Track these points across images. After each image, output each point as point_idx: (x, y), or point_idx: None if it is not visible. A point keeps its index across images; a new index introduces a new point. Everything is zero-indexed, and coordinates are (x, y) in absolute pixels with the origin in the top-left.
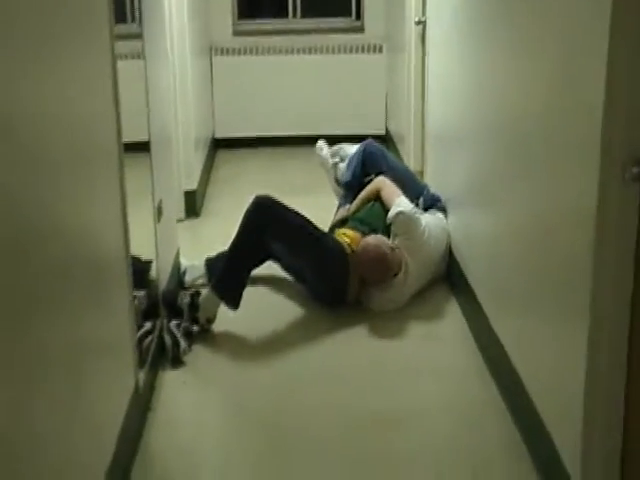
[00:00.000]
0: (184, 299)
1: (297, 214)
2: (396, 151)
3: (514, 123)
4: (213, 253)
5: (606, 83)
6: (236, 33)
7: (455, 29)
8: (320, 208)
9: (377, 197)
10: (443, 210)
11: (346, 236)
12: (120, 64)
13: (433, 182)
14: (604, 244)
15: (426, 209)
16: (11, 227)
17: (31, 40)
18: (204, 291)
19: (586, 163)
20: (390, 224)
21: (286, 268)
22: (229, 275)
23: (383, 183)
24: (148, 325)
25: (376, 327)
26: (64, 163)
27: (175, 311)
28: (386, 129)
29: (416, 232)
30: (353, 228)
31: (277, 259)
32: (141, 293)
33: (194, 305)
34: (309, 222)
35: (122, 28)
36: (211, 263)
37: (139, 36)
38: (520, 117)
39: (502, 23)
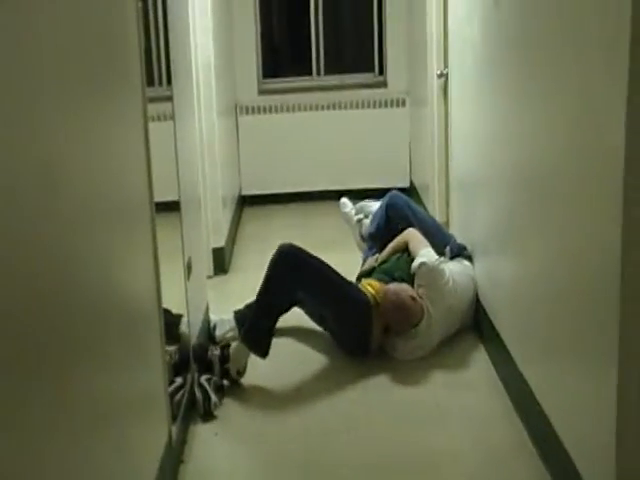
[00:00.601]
0: (214, 352)
1: (321, 262)
2: (421, 202)
3: (535, 169)
4: (241, 306)
5: (626, 126)
6: (261, 92)
7: (476, 81)
8: (346, 263)
9: (405, 249)
10: (469, 258)
11: (371, 287)
12: (151, 125)
13: (458, 230)
14: (630, 285)
15: (453, 258)
16: (49, 280)
17: (75, 100)
18: (234, 343)
19: (609, 206)
20: (414, 273)
21: (311, 315)
22: (257, 324)
23: (411, 235)
24: (179, 380)
25: (401, 375)
26: (100, 220)
27: (205, 365)
28: (410, 181)
29: (438, 283)
30: (379, 280)
31: (302, 306)
32: (172, 348)
33: (224, 357)
34: (333, 270)
35: (152, 90)
36: (240, 315)
37: (169, 98)
38: (541, 163)
39: (522, 74)
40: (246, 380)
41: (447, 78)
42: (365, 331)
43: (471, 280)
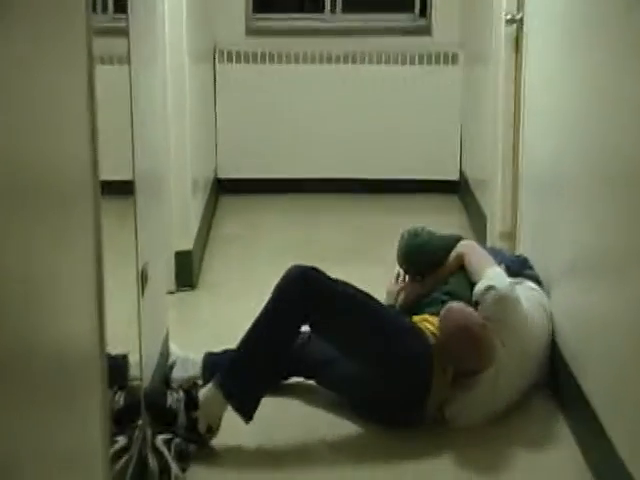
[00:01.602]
0: (176, 396)
1: (355, 289)
2: (475, 204)
3: None
4: (217, 348)
5: None
6: (250, 32)
7: (567, 31)
8: (364, 281)
9: (461, 267)
10: (535, 280)
11: (428, 322)
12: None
13: (530, 246)
14: None
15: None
16: None
17: None
18: (206, 387)
19: None
20: (477, 302)
21: (330, 381)
22: (246, 371)
23: (469, 248)
24: (122, 440)
25: (463, 455)
26: (16, 205)
27: (164, 416)
28: (461, 173)
29: (513, 317)
30: (436, 313)
31: (314, 369)
32: (115, 393)
33: (191, 402)
34: (372, 298)
35: (97, 18)
36: (211, 361)
37: (122, 32)
38: None
39: (638, 28)
40: (219, 440)
41: (521, 25)
42: (422, 389)
43: (545, 313)
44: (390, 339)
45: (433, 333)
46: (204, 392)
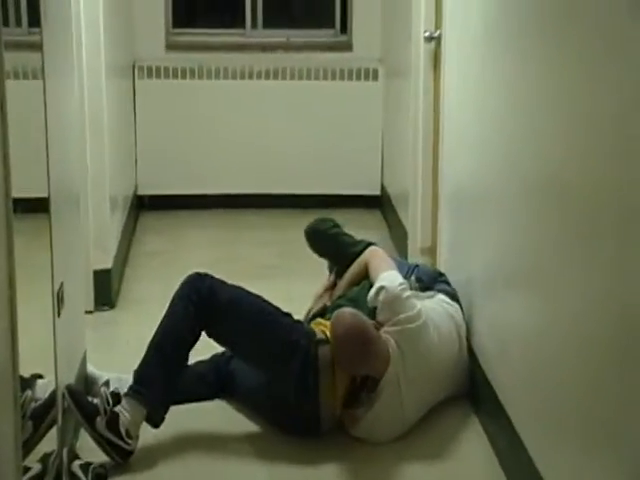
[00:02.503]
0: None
1: (249, 293)
2: (396, 219)
3: (570, 179)
4: (130, 367)
5: None
6: (170, 46)
7: (485, 47)
8: (291, 298)
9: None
10: (449, 294)
11: (323, 326)
12: (8, 84)
13: (449, 261)
14: None
15: (423, 290)
16: None
17: None
18: (124, 399)
19: None
20: (375, 308)
21: (239, 389)
22: (153, 377)
23: (373, 253)
24: (36, 467)
25: (361, 464)
26: None
27: (85, 407)
28: (382, 187)
29: (407, 318)
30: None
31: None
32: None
33: (114, 398)
34: (267, 302)
35: (9, 32)
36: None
37: (36, 46)
38: (579, 172)
39: (557, 41)
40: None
41: (439, 42)
42: (313, 389)
43: (455, 326)
44: (276, 330)
45: (325, 335)
46: (123, 404)
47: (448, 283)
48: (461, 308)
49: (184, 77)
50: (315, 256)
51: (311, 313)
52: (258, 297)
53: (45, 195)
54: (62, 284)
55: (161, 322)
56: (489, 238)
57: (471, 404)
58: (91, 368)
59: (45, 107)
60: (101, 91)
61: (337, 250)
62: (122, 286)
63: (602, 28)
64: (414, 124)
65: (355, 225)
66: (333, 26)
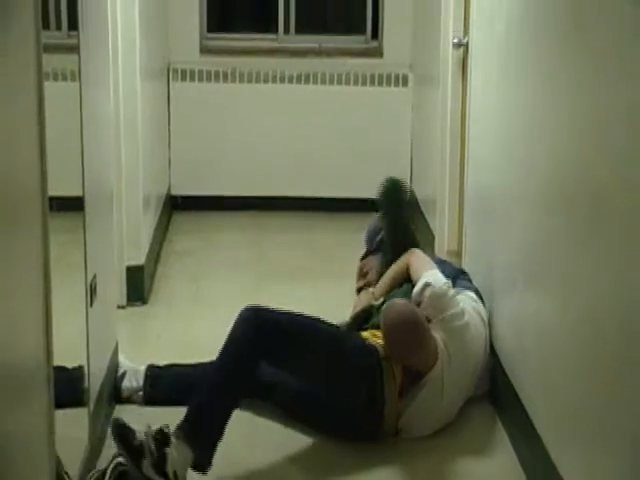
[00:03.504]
0: (144, 433)
1: (303, 317)
2: (424, 223)
3: (591, 181)
4: (160, 361)
5: None
6: (205, 51)
7: (510, 53)
8: (323, 300)
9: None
10: (473, 289)
11: (377, 337)
12: (47, 85)
13: (474, 263)
14: None
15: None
16: None
17: None
18: (173, 440)
19: None
20: (418, 304)
21: (286, 407)
22: (208, 420)
23: (413, 256)
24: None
25: (411, 466)
26: None
27: (132, 450)
28: (410, 192)
29: (452, 315)
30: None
31: (268, 391)
32: None
33: (164, 438)
34: (320, 321)
35: (48, 35)
36: (153, 373)
37: (73, 49)
38: (603, 175)
39: (579, 48)
40: None
41: (467, 49)
42: (378, 403)
43: (483, 325)
44: (341, 360)
45: (381, 345)
46: (173, 448)
47: (470, 281)
48: (484, 307)
49: (217, 80)
50: (342, 258)
51: (355, 311)
52: (315, 320)
53: (80, 194)
54: (95, 276)
55: (218, 360)
56: (513, 240)
57: (492, 403)
58: (122, 358)
59: (81, 108)
60: (136, 93)
61: (399, 223)
62: (154, 283)
63: (620, 35)
64: (442, 131)
65: None
66: (364, 32)
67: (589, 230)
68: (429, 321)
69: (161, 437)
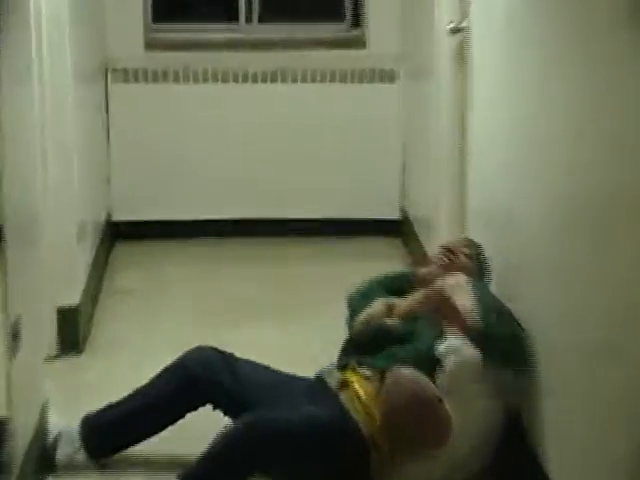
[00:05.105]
0: None
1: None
2: (419, 246)
3: (615, 182)
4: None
5: None
6: (150, 45)
7: (522, 37)
8: (289, 346)
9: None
10: None
11: (362, 389)
12: None
13: None
14: None
15: None
16: None
17: None
18: None
19: None
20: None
21: None
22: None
23: (457, 287)
24: None
25: None
26: None
27: None
28: (402, 211)
29: (470, 389)
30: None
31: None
32: None
33: None
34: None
35: None
36: (89, 423)
37: None
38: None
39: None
40: None
41: (467, 35)
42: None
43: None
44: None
45: (363, 413)
46: None
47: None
48: None
49: (166, 81)
50: (319, 296)
51: (367, 318)
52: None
53: None
54: (19, 318)
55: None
56: (531, 269)
57: None
58: (54, 419)
59: None
60: (66, 99)
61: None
62: (91, 328)
63: (628, 25)
64: (438, 134)
65: (370, 255)
66: (343, 19)
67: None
68: (447, 389)
69: None
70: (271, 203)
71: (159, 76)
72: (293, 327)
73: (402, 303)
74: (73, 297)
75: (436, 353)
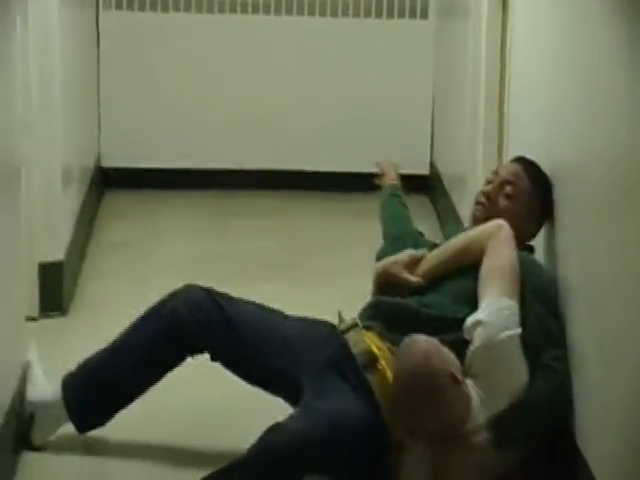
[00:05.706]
0: None
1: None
2: (450, 206)
3: None
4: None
5: None
6: None
7: None
8: (298, 308)
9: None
10: None
11: (380, 350)
12: None
13: None
14: None
15: None
16: None
17: None
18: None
19: None
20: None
21: None
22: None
23: (500, 231)
24: None
25: None
26: None
27: None
28: (431, 166)
29: (503, 372)
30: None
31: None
32: None
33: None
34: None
35: None
36: (71, 385)
37: None
38: None
39: None
40: None
41: None
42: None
43: None
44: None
45: (382, 376)
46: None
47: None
48: None
49: (165, 10)
50: (331, 252)
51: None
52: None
53: None
54: None
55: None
56: (570, 231)
57: None
58: (31, 390)
59: None
60: (51, 27)
61: None
62: (77, 286)
63: None
64: (474, 81)
65: None
66: None
67: None
68: (471, 371)
69: None
70: (277, 152)
71: (158, 4)
72: (306, 287)
73: (426, 260)
74: (57, 251)
75: (464, 329)
